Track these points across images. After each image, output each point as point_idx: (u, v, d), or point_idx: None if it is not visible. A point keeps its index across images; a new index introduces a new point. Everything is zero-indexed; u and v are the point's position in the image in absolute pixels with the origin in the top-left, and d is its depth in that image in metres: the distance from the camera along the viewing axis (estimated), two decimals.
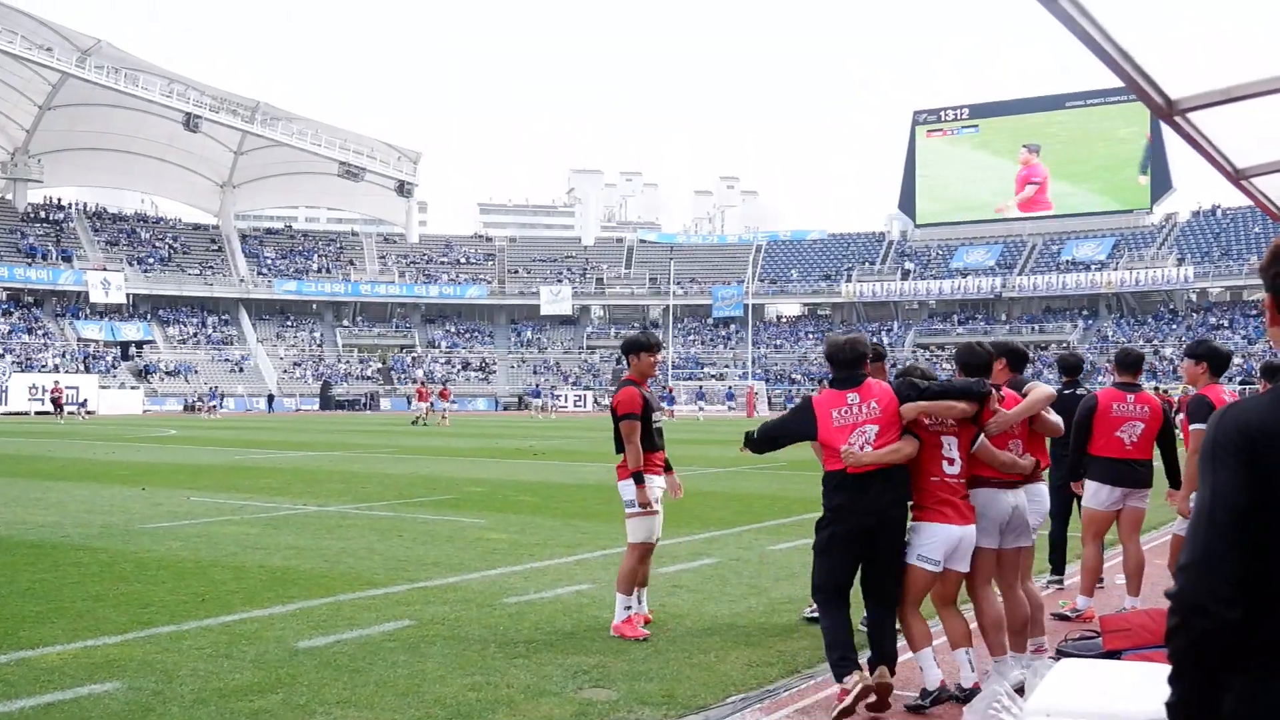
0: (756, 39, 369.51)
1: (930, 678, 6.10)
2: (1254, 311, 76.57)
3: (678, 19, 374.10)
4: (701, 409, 66.66)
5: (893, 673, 6.10)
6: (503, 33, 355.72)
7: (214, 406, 61.88)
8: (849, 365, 6.34)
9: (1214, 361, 8.11)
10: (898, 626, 6.32)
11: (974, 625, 6.59)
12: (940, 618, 6.47)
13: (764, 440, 6.65)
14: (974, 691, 5.89)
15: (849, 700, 5.78)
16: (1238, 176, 5.13)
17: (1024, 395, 6.78)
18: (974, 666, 6.26)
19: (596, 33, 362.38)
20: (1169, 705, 2.25)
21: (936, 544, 6.13)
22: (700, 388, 73.87)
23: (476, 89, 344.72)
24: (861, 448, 6.09)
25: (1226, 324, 76.09)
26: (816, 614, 7.11)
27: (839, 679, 6.02)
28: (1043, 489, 7.22)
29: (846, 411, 6.20)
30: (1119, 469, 8.39)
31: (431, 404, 49.56)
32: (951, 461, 6.25)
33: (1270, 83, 3.90)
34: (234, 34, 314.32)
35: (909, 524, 6.28)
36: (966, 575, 6.42)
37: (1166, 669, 4.37)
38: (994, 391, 6.48)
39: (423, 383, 57.32)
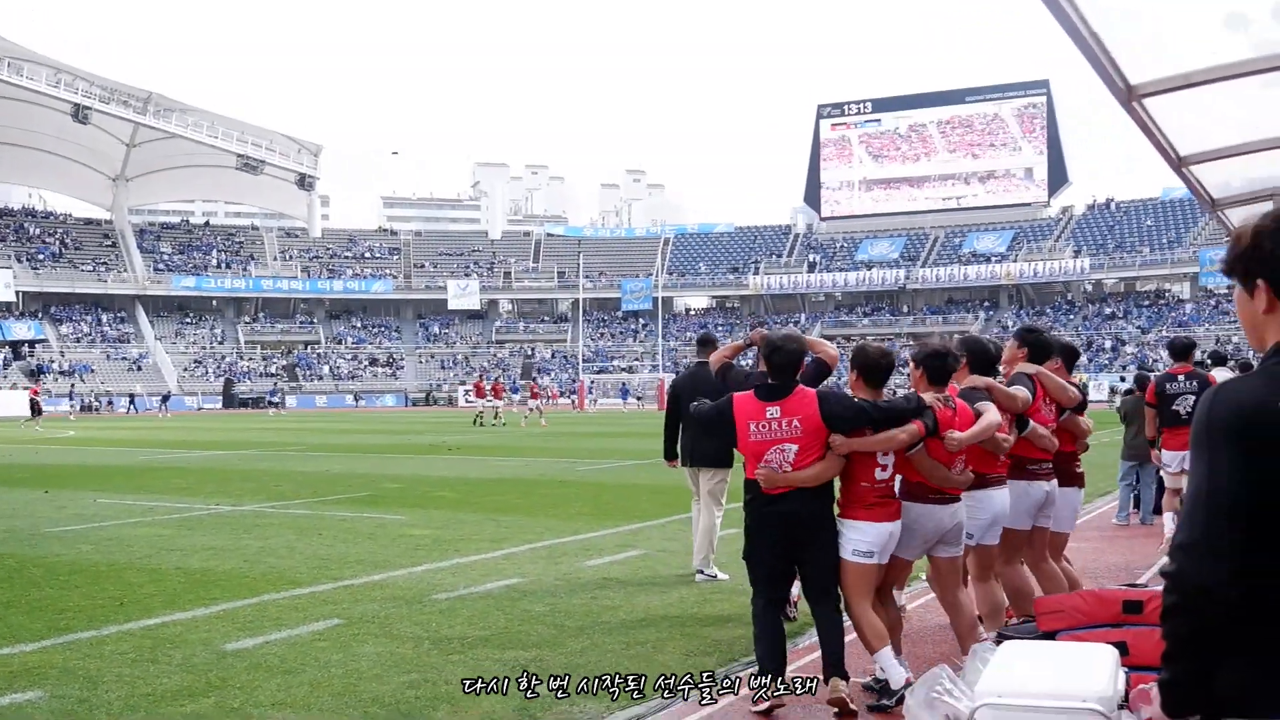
0: (662, 31, 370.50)
1: (895, 677, 5.85)
2: (1146, 302, 78.80)
3: (582, 12, 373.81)
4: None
5: (846, 680, 5.82)
6: (404, 23, 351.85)
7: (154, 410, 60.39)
8: (781, 371, 5.88)
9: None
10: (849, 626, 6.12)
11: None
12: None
13: (702, 421, 6.28)
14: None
15: (764, 706, 5.80)
16: (1180, 163, 5.24)
17: (977, 413, 6.30)
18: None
19: (500, 24, 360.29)
20: (1163, 684, 2.23)
21: (868, 539, 5.96)
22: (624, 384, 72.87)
23: (378, 81, 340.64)
24: (780, 466, 5.80)
25: (1121, 314, 78.11)
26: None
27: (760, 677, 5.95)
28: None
29: (764, 426, 5.81)
30: None
31: (522, 400, 50.49)
32: (884, 468, 6.04)
33: (1225, 69, 3.97)
34: (126, 23, 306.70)
35: (838, 522, 6.06)
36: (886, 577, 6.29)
37: (1105, 648, 4.42)
38: (940, 403, 6.12)
39: (482, 376, 57.02)
